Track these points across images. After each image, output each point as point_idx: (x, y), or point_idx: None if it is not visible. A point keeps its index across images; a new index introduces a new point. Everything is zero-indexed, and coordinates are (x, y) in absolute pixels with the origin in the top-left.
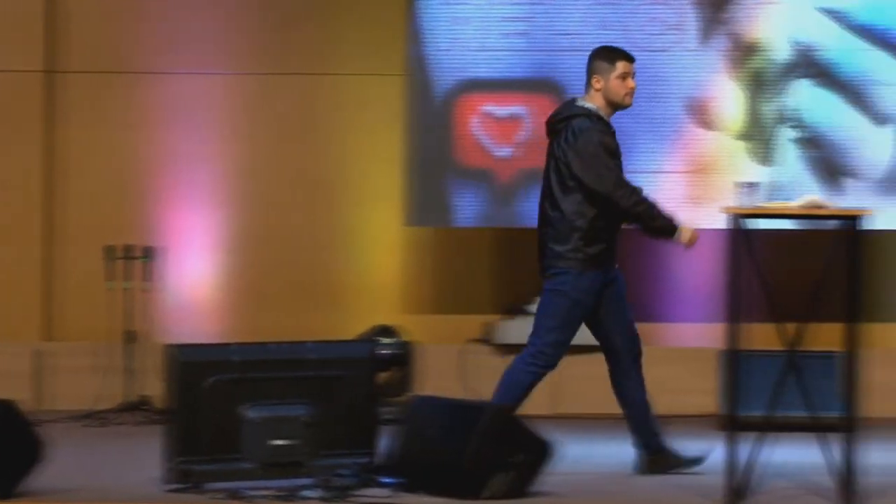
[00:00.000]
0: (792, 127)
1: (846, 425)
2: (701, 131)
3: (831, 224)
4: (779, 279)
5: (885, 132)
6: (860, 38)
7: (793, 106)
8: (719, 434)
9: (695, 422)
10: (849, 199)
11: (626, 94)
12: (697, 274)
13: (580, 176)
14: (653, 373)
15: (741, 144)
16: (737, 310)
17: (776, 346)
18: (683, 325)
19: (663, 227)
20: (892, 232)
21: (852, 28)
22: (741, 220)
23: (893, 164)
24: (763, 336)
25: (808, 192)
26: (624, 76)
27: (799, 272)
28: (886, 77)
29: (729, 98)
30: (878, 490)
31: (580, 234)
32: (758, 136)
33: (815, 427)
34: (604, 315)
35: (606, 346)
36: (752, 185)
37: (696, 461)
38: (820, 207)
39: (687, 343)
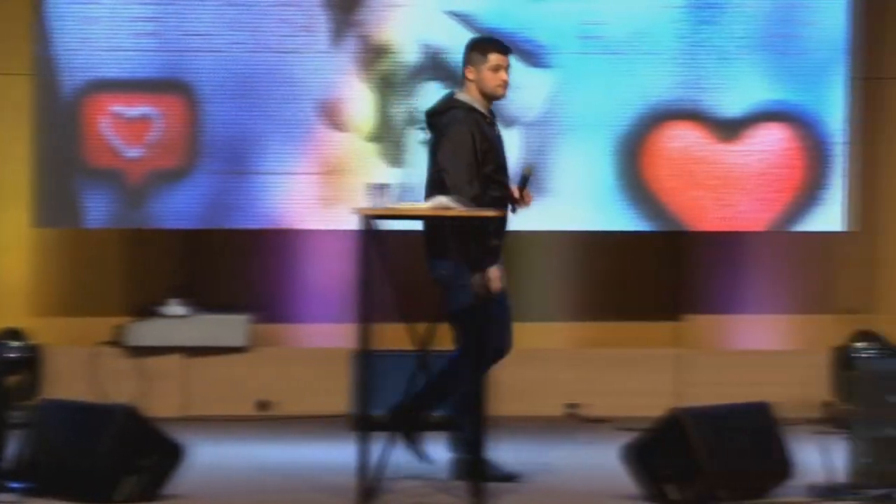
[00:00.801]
0: (421, 129)
1: (473, 423)
2: (332, 133)
3: None
4: (410, 280)
5: (513, 134)
6: None
7: (422, 108)
8: (351, 434)
9: (326, 422)
10: None
11: (497, 86)
12: (328, 274)
13: (441, 166)
14: (283, 373)
15: (372, 146)
16: (367, 310)
17: (407, 346)
18: (314, 325)
19: (489, 250)
20: (522, 232)
21: (479, 31)
22: (371, 221)
23: (520, 165)
24: (394, 336)
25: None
26: (496, 68)
27: (425, 272)
28: (513, 79)
29: (359, 100)
30: (504, 486)
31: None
32: (388, 137)
33: (445, 425)
34: None
35: None
36: (382, 187)
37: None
38: (448, 209)
39: (318, 343)
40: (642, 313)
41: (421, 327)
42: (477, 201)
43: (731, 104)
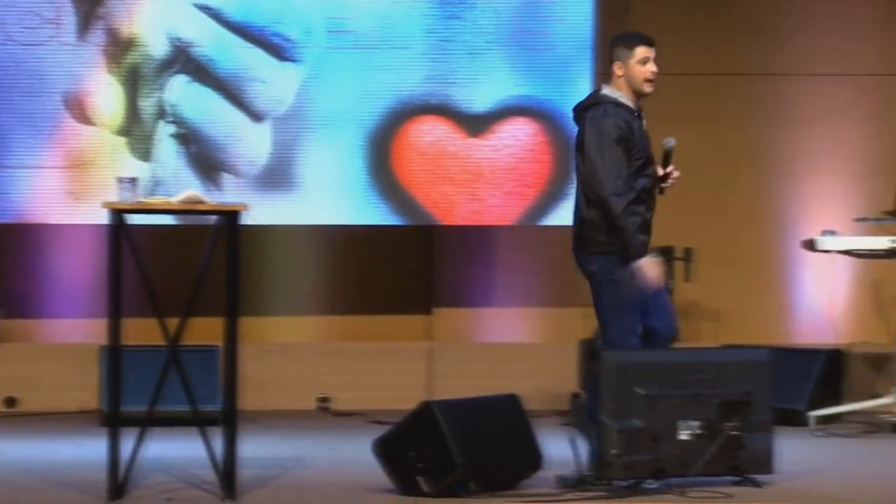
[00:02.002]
0: (171, 122)
1: (226, 418)
2: (79, 126)
3: (211, 219)
4: (160, 275)
5: (263, 129)
6: (236, 34)
7: (171, 101)
8: (101, 430)
9: (76, 418)
10: (227, 195)
11: (645, 80)
12: (77, 269)
13: (587, 158)
14: (31, 369)
15: (121, 140)
16: (117, 305)
17: (157, 341)
18: (62, 320)
19: (637, 251)
20: (269, 226)
21: (228, 25)
22: (121, 216)
23: (270, 160)
24: (144, 331)
25: (188, 188)
26: (644, 61)
27: (180, 267)
28: (262, 74)
29: (107, 93)
30: (257, 481)
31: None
32: (137, 131)
33: (196, 421)
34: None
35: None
36: (132, 181)
37: None
38: (199, 203)
39: (66, 339)
40: (393, 307)
41: (172, 322)
42: (623, 197)
43: (480, 99)
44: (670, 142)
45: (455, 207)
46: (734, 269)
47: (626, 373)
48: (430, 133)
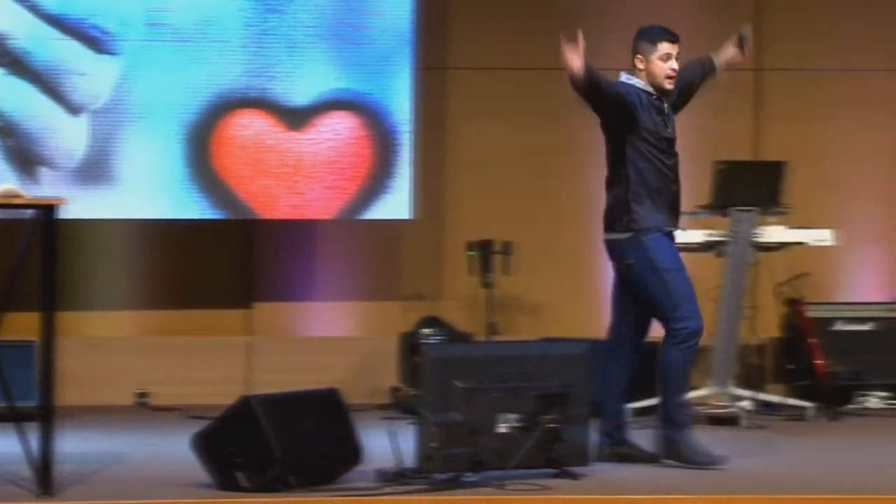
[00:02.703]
0: None
1: (42, 414)
2: None
3: (27, 213)
4: None
5: (80, 122)
6: (52, 27)
7: None
8: None
9: None
10: (44, 189)
11: (666, 77)
12: None
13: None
14: None
15: None
16: None
17: None
18: None
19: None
20: (86, 221)
21: (44, 17)
22: None
23: (88, 153)
24: None
25: (4, 182)
26: (667, 57)
27: None
28: (80, 67)
29: None
30: (75, 478)
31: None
32: None
33: (12, 417)
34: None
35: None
36: None
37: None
38: (16, 196)
39: None
40: (213, 301)
41: None
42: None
43: (300, 92)
44: (745, 29)
45: (275, 201)
46: (554, 263)
47: (445, 366)
48: (250, 126)
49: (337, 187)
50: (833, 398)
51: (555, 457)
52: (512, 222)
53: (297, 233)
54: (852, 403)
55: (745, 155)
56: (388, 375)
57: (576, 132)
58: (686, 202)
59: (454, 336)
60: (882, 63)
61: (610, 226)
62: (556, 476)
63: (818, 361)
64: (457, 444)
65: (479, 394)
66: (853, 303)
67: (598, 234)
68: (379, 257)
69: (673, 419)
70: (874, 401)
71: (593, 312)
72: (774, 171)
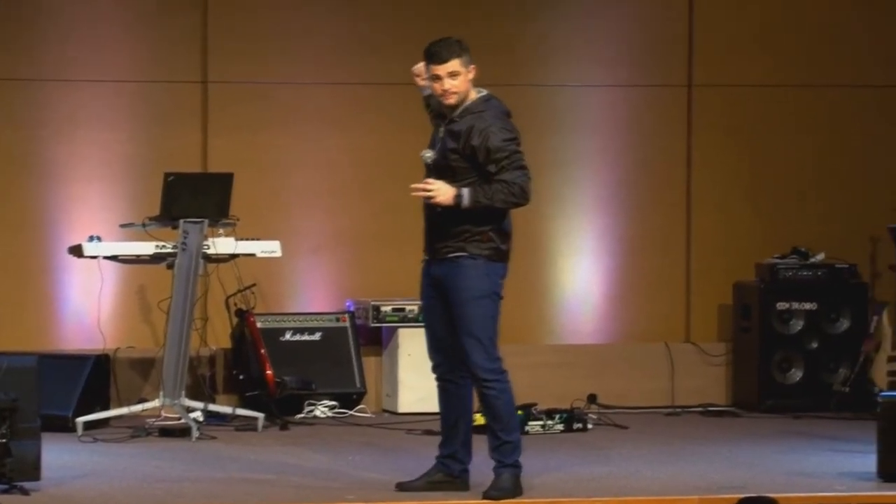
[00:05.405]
0: None
1: None
2: None
3: None
4: None
5: None
6: None
7: None
8: None
9: None
10: None
11: (440, 94)
12: None
13: None
14: None
15: None
16: None
17: None
18: None
19: None
20: None
21: None
22: None
23: None
24: None
25: None
26: (434, 78)
27: None
28: None
29: None
30: None
31: None
32: None
33: None
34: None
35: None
36: None
37: None
38: None
39: None
40: None
41: None
42: None
43: None
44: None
45: None
46: (3, 275)
47: None
48: None
49: None
50: (283, 408)
51: (4, 471)
52: None
53: None
54: (302, 413)
55: (194, 167)
56: None
57: (23, 143)
58: (136, 214)
59: None
60: (322, 77)
61: None
62: (6, 492)
63: (268, 372)
64: None
65: None
66: (301, 313)
67: (48, 246)
68: None
69: None
70: (322, 409)
71: (43, 325)
72: (222, 183)
